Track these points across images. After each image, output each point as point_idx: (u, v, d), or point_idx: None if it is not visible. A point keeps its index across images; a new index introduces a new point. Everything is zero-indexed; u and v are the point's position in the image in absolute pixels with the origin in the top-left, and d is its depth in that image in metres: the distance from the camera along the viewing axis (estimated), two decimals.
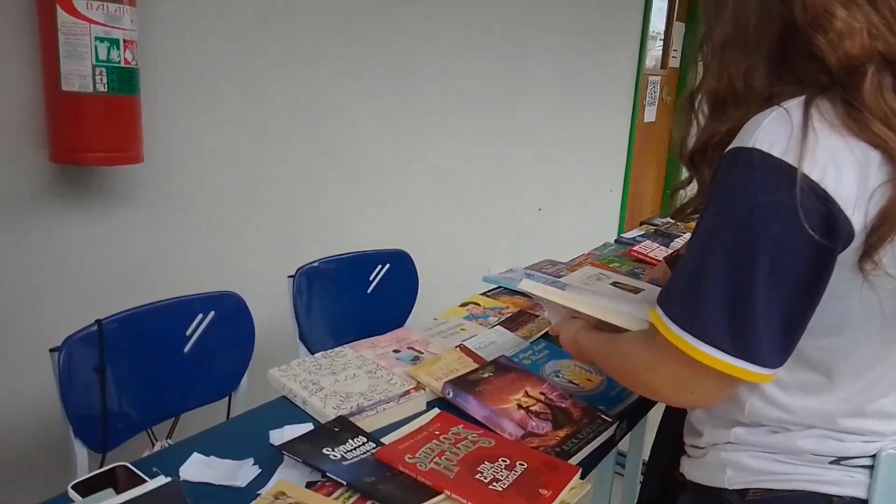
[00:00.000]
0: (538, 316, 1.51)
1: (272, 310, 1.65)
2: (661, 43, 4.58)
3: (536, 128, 3.13)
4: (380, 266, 1.84)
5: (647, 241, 2.14)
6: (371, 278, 1.83)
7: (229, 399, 1.44)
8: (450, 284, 2.82)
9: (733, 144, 0.68)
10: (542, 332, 1.43)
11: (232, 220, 1.90)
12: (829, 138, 0.64)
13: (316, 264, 1.69)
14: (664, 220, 2.51)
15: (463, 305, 1.56)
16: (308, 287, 1.66)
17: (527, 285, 1.09)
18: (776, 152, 0.64)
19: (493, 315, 1.52)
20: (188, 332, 1.35)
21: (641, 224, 2.51)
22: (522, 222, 3.21)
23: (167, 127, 1.69)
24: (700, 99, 0.80)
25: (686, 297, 0.68)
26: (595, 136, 3.75)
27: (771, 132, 0.65)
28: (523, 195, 3.17)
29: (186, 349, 1.35)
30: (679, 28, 4.76)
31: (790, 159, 0.63)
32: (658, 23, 4.39)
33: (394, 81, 2.31)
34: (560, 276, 1.81)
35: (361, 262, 1.82)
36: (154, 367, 1.30)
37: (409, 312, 1.90)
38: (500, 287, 1.71)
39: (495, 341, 1.32)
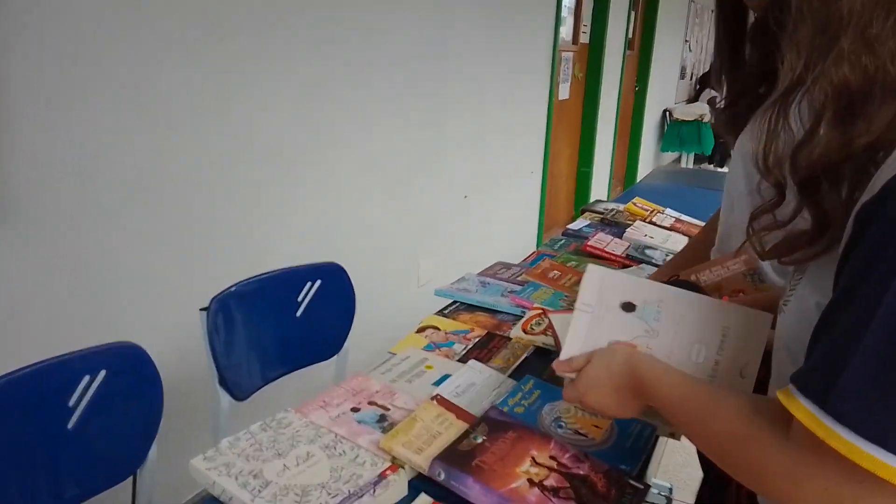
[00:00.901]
0: (510, 339, 1.29)
1: (181, 353, 1.34)
2: (573, 18, 4.45)
3: (460, 110, 2.89)
4: (309, 283, 1.55)
5: (599, 233, 1.97)
6: (300, 299, 1.53)
7: (134, 478, 1.13)
8: (383, 288, 2.55)
9: None
10: (520, 360, 1.21)
11: (117, 244, 1.54)
12: None
13: (234, 289, 1.38)
14: (607, 206, 2.35)
15: (420, 331, 1.31)
16: (226, 319, 1.35)
17: (596, 271, 0.84)
18: None
19: (458, 341, 1.28)
20: (71, 403, 1.02)
21: (584, 212, 2.34)
22: (449, 212, 2.98)
23: (17, 121, 1.30)
24: (800, 98, 0.58)
25: (869, 392, 0.47)
26: (516, 117, 3.56)
27: None
28: (449, 183, 2.93)
29: (70, 425, 1.02)
30: (588, 3, 4.65)
31: None
32: None
33: (309, 64, 1.99)
34: (518, 280, 1.60)
35: (287, 281, 1.52)
36: (25, 454, 0.97)
37: (348, 332, 1.63)
38: (456, 302, 1.47)
39: (474, 382, 1.08)
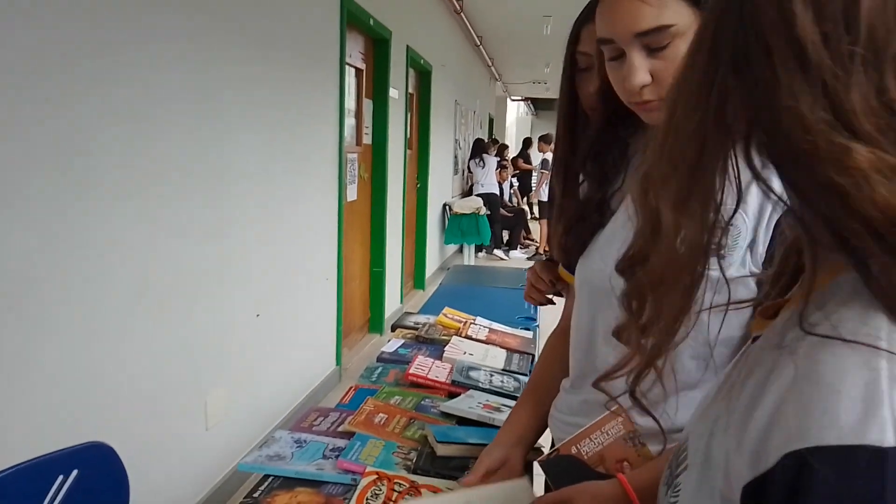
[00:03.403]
0: None
1: None
2: (354, 120, 4.45)
3: (246, 222, 2.61)
4: (61, 477, 1.15)
5: (418, 355, 1.80)
6: (46, 503, 1.12)
7: None
8: (163, 441, 2.10)
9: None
10: None
11: None
12: None
13: None
14: (418, 320, 2.21)
15: None
16: None
17: None
18: None
19: None
20: None
21: (394, 329, 2.18)
22: (240, 334, 2.62)
23: None
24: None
25: None
26: (307, 223, 3.36)
27: None
28: (239, 301, 2.59)
29: None
30: (368, 105, 4.70)
31: None
32: (349, 100, 4.25)
33: (56, 160, 1.60)
34: (339, 432, 1.35)
35: (24, 481, 1.11)
36: None
37: None
38: (272, 477, 1.17)
39: None
